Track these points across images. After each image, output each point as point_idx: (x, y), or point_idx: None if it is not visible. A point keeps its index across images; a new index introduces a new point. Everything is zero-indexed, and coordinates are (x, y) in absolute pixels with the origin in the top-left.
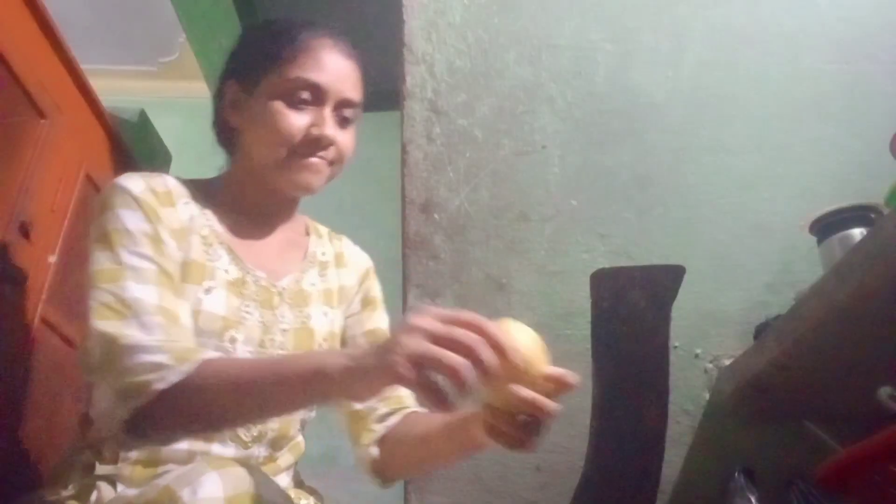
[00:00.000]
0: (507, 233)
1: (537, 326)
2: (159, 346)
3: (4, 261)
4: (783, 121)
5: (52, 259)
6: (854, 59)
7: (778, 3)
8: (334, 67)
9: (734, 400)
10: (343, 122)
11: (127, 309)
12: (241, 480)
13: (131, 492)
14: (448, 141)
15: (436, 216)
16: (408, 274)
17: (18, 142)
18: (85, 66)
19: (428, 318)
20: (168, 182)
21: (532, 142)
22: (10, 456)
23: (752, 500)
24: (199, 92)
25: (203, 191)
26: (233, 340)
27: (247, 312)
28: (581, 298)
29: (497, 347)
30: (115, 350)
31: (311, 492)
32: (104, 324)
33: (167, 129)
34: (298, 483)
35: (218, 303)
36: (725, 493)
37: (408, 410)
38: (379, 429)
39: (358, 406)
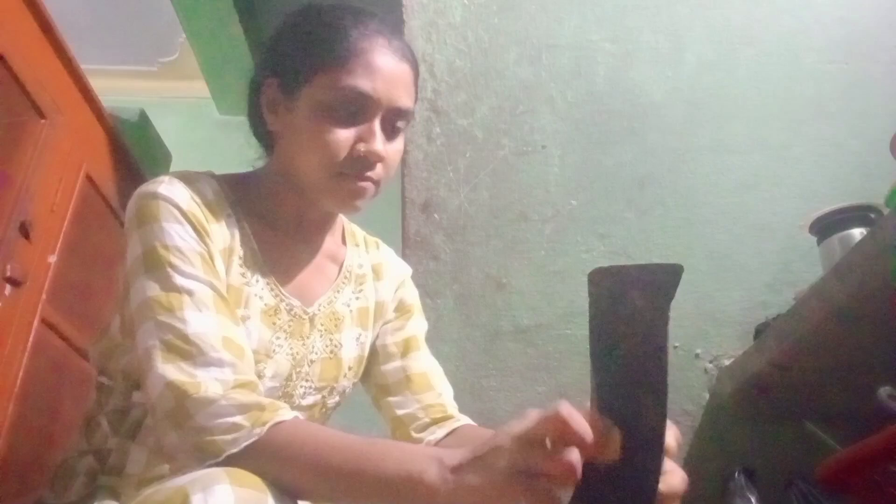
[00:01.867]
0: (507, 233)
1: (537, 326)
2: (234, 406)
3: (4, 261)
4: (783, 121)
5: (52, 259)
6: (854, 59)
7: (778, 3)
8: (387, 73)
9: (734, 400)
10: (392, 133)
11: (192, 346)
12: (255, 500)
13: (147, 490)
14: (448, 141)
15: (436, 216)
16: None
17: (18, 142)
18: (85, 66)
19: (512, 428)
20: (209, 188)
21: (532, 142)
22: (10, 456)
23: (752, 500)
24: (199, 92)
25: (239, 194)
26: (260, 376)
27: (277, 345)
28: (581, 298)
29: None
30: (187, 405)
31: None
32: (171, 369)
33: (167, 129)
34: None
35: (250, 335)
36: (725, 493)
37: (456, 423)
38: (420, 440)
39: (398, 412)
